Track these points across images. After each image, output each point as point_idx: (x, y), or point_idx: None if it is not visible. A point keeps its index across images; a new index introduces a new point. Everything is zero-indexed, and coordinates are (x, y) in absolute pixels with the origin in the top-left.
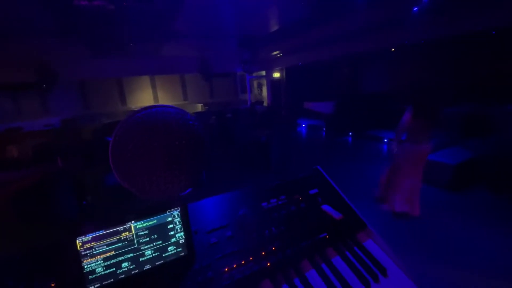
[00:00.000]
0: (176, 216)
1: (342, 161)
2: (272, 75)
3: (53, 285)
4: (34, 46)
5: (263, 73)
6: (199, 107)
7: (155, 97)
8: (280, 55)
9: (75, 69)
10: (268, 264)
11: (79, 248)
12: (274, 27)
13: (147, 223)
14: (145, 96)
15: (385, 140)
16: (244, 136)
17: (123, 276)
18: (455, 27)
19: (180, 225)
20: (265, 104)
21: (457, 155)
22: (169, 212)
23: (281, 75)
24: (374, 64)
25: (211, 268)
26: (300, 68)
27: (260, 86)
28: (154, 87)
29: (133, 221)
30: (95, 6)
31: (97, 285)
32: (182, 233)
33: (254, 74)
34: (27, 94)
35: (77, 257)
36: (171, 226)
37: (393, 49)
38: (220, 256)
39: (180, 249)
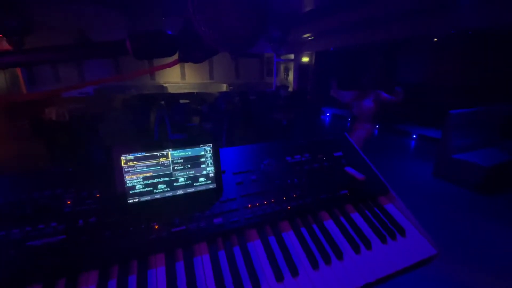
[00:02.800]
0: (208, 152)
1: (364, 154)
2: (300, 59)
3: (98, 195)
4: (74, 13)
5: (291, 56)
6: (224, 87)
7: (183, 74)
8: (311, 39)
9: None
10: (289, 208)
11: (123, 165)
12: (308, 7)
13: (182, 153)
14: (173, 72)
15: (414, 136)
16: (266, 118)
17: (158, 196)
18: (506, 18)
19: (211, 160)
20: (290, 89)
21: (492, 157)
22: (202, 146)
23: (310, 59)
24: (412, 54)
25: (236, 203)
26: (331, 53)
27: (287, 70)
28: (182, 64)
29: (170, 149)
30: None
31: (135, 200)
32: (212, 168)
33: (282, 57)
34: (65, 64)
35: (121, 173)
36: (203, 159)
37: (435, 39)
38: (244, 194)
39: (210, 181)
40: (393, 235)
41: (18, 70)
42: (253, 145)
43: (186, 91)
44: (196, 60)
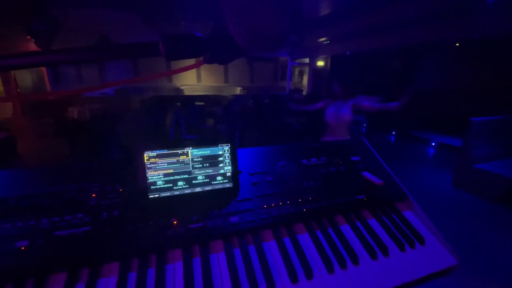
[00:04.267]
0: (226, 151)
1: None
2: (315, 63)
3: (120, 190)
4: (97, 17)
5: (306, 60)
6: (238, 90)
7: (199, 77)
8: (327, 42)
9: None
10: (304, 210)
11: (145, 161)
12: (325, 10)
13: (201, 152)
14: (189, 75)
15: (433, 144)
16: (279, 122)
17: (177, 193)
18: None
19: (228, 160)
20: (304, 93)
21: None
22: (220, 146)
23: (325, 63)
24: (432, 59)
25: (251, 203)
26: (347, 57)
27: (301, 73)
28: (198, 67)
29: (190, 148)
30: None
31: (156, 195)
32: (229, 167)
33: (297, 61)
34: (87, 65)
35: (143, 169)
36: (221, 159)
37: (457, 44)
38: (260, 194)
39: (227, 180)
40: (411, 243)
41: (43, 71)
42: (269, 146)
43: (201, 93)
44: (222, 61)
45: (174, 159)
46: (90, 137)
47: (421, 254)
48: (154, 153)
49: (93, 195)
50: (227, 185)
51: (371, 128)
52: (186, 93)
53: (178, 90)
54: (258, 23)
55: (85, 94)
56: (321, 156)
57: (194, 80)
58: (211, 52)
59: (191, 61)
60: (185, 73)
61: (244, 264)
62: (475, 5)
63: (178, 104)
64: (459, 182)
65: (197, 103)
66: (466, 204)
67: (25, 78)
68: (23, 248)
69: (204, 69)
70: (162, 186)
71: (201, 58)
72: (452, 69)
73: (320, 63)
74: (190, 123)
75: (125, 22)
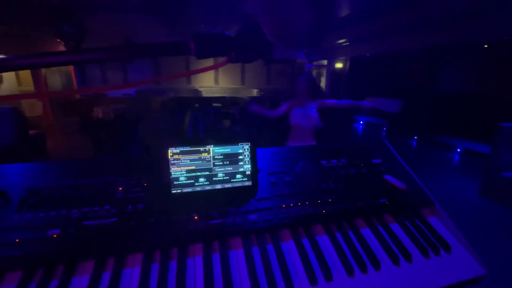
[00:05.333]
0: (246, 150)
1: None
2: (333, 65)
3: (145, 184)
4: (121, 21)
5: (324, 62)
6: (254, 92)
7: (216, 79)
8: (346, 44)
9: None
10: (323, 212)
11: (169, 157)
12: (345, 12)
13: (222, 150)
14: (207, 77)
15: (458, 150)
16: None
17: (199, 189)
18: None
19: (248, 158)
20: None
21: None
22: (241, 144)
23: (344, 65)
24: (457, 61)
25: (270, 201)
26: (367, 59)
27: (319, 75)
28: (217, 69)
29: (212, 145)
30: None
31: (178, 190)
32: (249, 166)
33: (315, 63)
34: (112, 65)
35: (167, 164)
36: (241, 157)
37: (486, 45)
38: (278, 194)
39: (246, 179)
40: (436, 250)
41: (72, 73)
42: (287, 147)
43: (218, 95)
44: (247, 59)
45: (196, 156)
46: (113, 135)
47: (446, 262)
48: (177, 150)
49: (120, 189)
50: (246, 183)
51: (391, 132)
52: (204, 94)
53: (197, 91)
54: (292, 20)
55: (109, 94)
56: (341, 158)
57: (212, 82)
58: (238, 50)
59: (210, 63)
60: (203, 75)
61: (263, 262)
62: (506, 4)
63: (196, 105)
64: (486, 191)
65: (214, 104)
66: (494, 214)
67: (54, 79)
68: (55, 236)
69: (222, 71)
70: (184, 182)
71: (224, 59)
72: (479, 72)
73: (339, 65)
74: (208, 123)
75: (147, 25)
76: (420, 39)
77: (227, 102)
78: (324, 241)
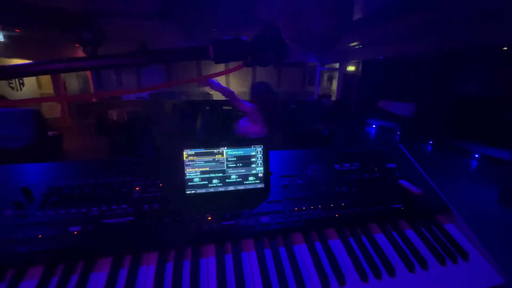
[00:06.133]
0: (259, 152)
1: None
2: (346, 68)
3: (161, 184)
4: (138, 27)
5: (336, 65)
6: None
7: (227, 83)
8: (359, 47)
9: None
10: (336, 216)
11: (184, 159)
12: (357, 15)
13: (235, 152)
14: (218, 80)
15: (476, 156)
16: (306, 127)
17: (212, 190)
18: None
19: (261, 161)
20: (333, 98)
21: None
22: (253, 147)
23: (357, 68)
24: (474, 64)
25: (282, 204)
26: (380, 62)
27: (330, 79)
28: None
29: (225, 148)
30: None
31: (192, 191)
32: (261, 168)
33: (326, 66)
34: (127, 69)
35: (182, 166)
36: (254, 159)
37: (505, 48)
38: (290, 197)
39: (258, 181)
40: (453, 258)
41: (89, 77)
42: (300, 150)
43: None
44: (264, 63)
45: (210, 158)
46: (127, 136)
47: (464, 270)
48: (192, 152)
49: (137, 188)
50: (259, 186)
51: (405, 136)
52: (215, 98)
53: (207, 95)
54: (310, 24)
55: (123, 97)
56: (354, 162)
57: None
58: (254, 55)
59: (222, 68)
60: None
61: (275, 265)
62: None
63: (207, 108)
64: (505, 198)
65: (224, 107)
66: None
67: (72, 82)
68: (75, 232)
69: (233, 74)
70: (198, 183)
71: (240, 63)
72: (498, 75)
73: (351, 68)
74: (218, 126)
75: (161, 30)
76: (436, 41)
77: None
78: (337, 245)
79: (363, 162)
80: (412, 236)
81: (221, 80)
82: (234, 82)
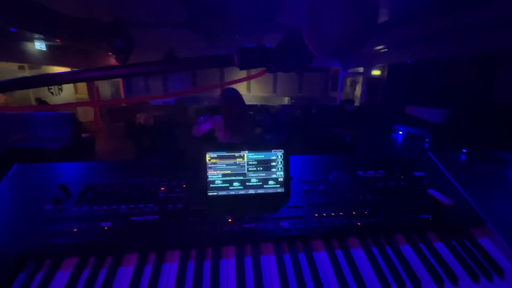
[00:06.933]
0: (279, 157)
1: None
2: (370, 72)
3: (184, 185)
4: (166, 35)
5: (360, 69)
6: (286, 100)
7: (249, 88)
8: (385, 51)
9: (191, 55)
10: (359, 224)
11: (207, 161)
12: (383, 18)
13: (256, 156)
14: (240, 86)
15: None
16: (328, 133)
17: (233, 193)
18: None
19: (281, 165)
20: (356, 103)
21: None
22: (274, 151)
23: (382, 73)
24: None
25: (302, 210)
26: (408, 66)
27: (353, 83)
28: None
29: (246, 151)
30: None
31: (214, 193)
32: (282, 173)
33: (349, 71)
34: (155, 76)
35: (205, 168)
36: (274, 163)
37: None
38: (311, 203)
39: (279, 185)
40: (488, 275)
41: (120, 82)
42: (321, 155)
43: (250, 103)
44: (286, 69)
45: (231, 161)
46: (153, 139)
47: None
48: (215, 154)
49: (162, 188)
50: (279, 190)
51: (435, 144)
52: None
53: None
54: (333, 31)
55: (151, 102)
56: (379, 169)
57: (244, 91)
58: (277, 61)
59: (244, 74)
60: (236, 84)
61: (294, 270)
62: None
63: None
64: None
65: None
66: None
67: (105, 88)
68: (106, 228)
69: (255, 80)
70: (219, 185)
71: (263, 69)
72: None
73: (376, 72)
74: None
75: (187, 38)
76: (471, 43)
77: (258, 110)
78: (359, 255)
79: (388, 169)
80: (441, 249)
81: (243, 86)
82: (256, 88)
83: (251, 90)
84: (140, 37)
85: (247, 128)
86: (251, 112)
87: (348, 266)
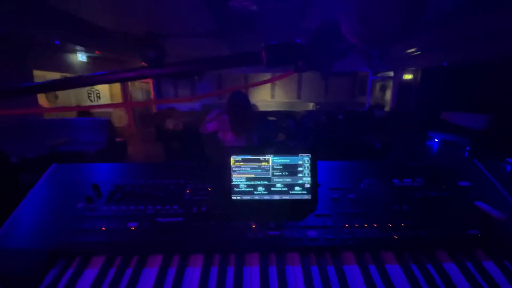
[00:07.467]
0: (306, 162)
1: None
2: (401, 76)
3: (209, 189)
4: (195, 45)
5: (390, 74)
6: (310, 106)
7: (272, 94)
8: (417, 53)
9: None
10: (395, 237)
11: (232, 164)
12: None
13: (281, 160)
14: (264, 92)
15: None
16: (356, 140)
17: (257, 197)
18: None
19: (308, 171)
20: (386, 109)
21: None
22: (301, 155)
23: (415, 77)
24: None
25: (331, 219)
26: (444, 69)
27: (383, 88)
28: (273, 84)
29: (271, 155)
30: (242, 6)
31: (238, 197)
32: (309, 178)
33: (379, 75)
34: (183, 83)
35: (229, 171)
36: (300, 169)
37: None
38: (340, 212)
39: (305, 192)
40: None
41: (151, 88)
42: (352, 161)
43: (274, 109)
44: (317, 66)
45: (256, 165)
46: (182, 143)
47: None
48: (239, 158)
49: (187, 191)
50: (305, 197)
51: (476, 152)
52: (260, 109)
53: (254, 106)
54: (383, 20)
55: (179, 109)
56: (417, 178)
57: (268, 96)
58: (309, 57)
59: (267, 84)
60: (260, 90)
61: (322, 284)
62: None
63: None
64: None
65: (269, 118)
66: None
67: (137, 94)
68: (133, 228)
69: (278, 85)
70: (244, 189)
71: (290, 70)
72: None
73: (408, 76)
74: (263, 137)
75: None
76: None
77: (282, 116)
78: (395, 271)
79: (427, 178)
80: (492, 270)
81: (267, 92)
82: (280, 94)
83: (275, 96)
84: (171, 48)
85: (251, 133)
86: (274, 118)
87: (382, 283)
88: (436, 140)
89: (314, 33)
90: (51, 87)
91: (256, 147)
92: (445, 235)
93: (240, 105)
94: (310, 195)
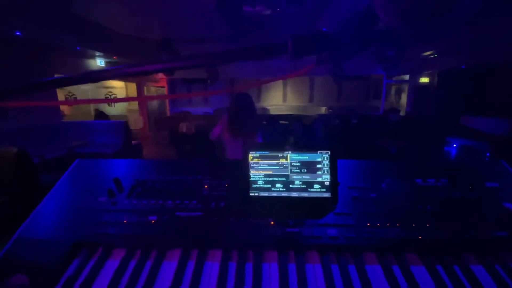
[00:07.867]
0: (325, 159)
1: None
2: (417, 80)
3: (226, 185)
4: (208, 49)
5: (405, 77)
6: (322, 110)
7: (284, 98)
8: (434, 56)
9: (231, 69)
10: (419, 238)
11: (250, 160)
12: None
13: (300, 157)
14: (276, 95)
15: None
16: (370, 144)
17: (275, 194)
18: None
19: (327, 168)
20: (401, 113)
21: None
22: (320, 153)
23: (431, 80)
24: None
25: (352, 218)
26: (462, 72)
27: (398, 92)
28: (285, 87)
29: (290, 152)
30: (256, 11)
31: (256, 194)
32: (328, 176)
33: (394, 78)
34: (196, 87)
35: (247, 167)
36: (319, 166)
37: None
38: (362, 211)
39: (324, 189)
40: None
41: (166, 92)
42: (373, 160)
43: (285, 113)
44: (343, 54)
45: (274, 161)
46: (195, 146)
47: None
48: (257, 154)
49: (206, 186)
50: (325, 195)
51: (497, 158)
52: (272, 112)
53: (265, 109)
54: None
55: (192, 112)
56: (441, 178)
57: (280, 100)
58: (337, 47)
59: (280, 88)
60: (272, 94)
61: (343, 283)
62: None
63: (264, 122)
64: None
65: (281, 121)
66: None
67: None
68: (152, 221)
69: (290, 88)
70: (261, 185)
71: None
72: None
73: (424, 80)
74: (274, 140)
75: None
76: None
77: (294, 119)
78: (420, 273)
79: (452, 178)
80: None
81: (278, 96)
82: (291, 98)
83: (287, 100)
84: (186, 52)
85: (252, 135)
86: (287, 122)
87: (407, 284)
88: (454, 145)
89: (346, 20)
90: (69, 81)
91: (274, 143)
92: (472, 236)
93: (243, 106)
94: (330, 193)
